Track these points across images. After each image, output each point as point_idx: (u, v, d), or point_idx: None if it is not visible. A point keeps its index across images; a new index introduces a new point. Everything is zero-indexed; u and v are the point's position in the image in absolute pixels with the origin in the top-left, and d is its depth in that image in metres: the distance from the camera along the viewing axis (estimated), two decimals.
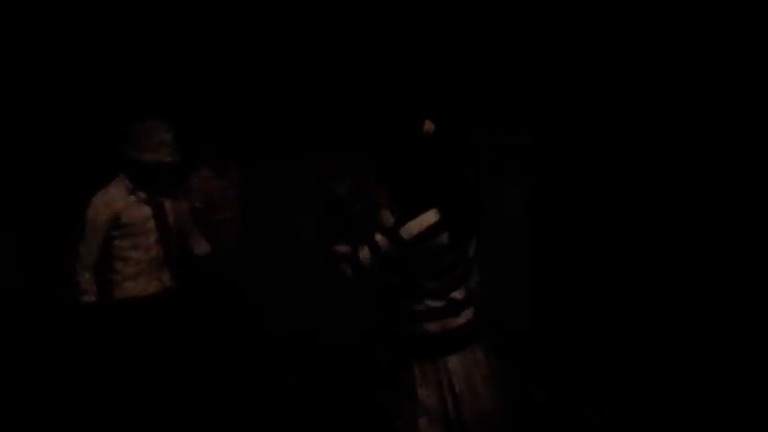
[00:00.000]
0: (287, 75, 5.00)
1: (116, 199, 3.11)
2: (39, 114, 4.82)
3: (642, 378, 3.55)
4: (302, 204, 4.65)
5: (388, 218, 2.36)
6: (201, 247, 3.48)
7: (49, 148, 4.76)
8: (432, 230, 2.01)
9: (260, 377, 3.90)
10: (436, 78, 4.41)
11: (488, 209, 2.24)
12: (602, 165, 3.95)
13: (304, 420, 3.47)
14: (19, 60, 4.77)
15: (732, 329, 3.58)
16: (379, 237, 2.04)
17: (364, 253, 2.05)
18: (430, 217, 2.02)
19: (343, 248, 2.13)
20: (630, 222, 3.86)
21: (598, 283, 3.89)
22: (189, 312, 3.42)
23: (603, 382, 3.55)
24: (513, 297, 3.93)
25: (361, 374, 3.87)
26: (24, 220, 4.43)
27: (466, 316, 2.12)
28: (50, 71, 4.82)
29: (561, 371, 3.70)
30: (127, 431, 3.23)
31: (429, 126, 2.05)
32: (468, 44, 4.39)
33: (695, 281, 3.67)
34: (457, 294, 2.10)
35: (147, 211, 3.17)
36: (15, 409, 3.59)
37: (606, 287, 3.87)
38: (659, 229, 3.80)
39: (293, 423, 3.46)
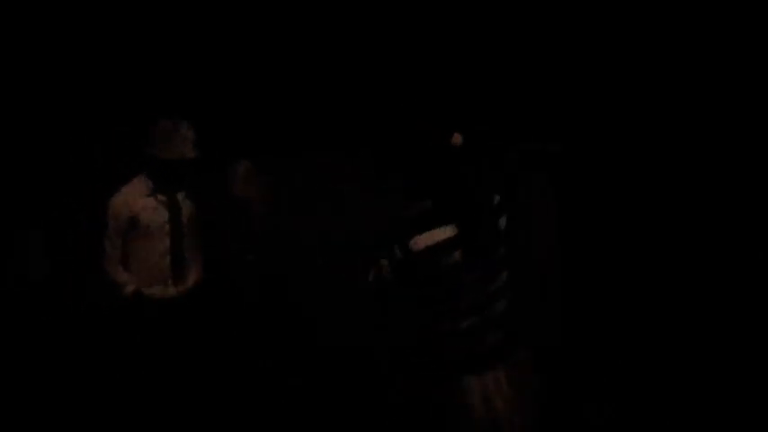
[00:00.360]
0: (305, 79, 5.01)
1: (135, 199, 3.17)
2: (64, 113, 4.86)
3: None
4: (303, 205, 4.64)
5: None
6: (195, 274, 3.41)
7: (75, 146, 4.80)
8: (443, 246, 1.97)
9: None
10: (466, 83, 4.41)
11: (513, 221, 2.21)
12: (632, 175, 3.94)
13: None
14: (43, 58, 4.82)
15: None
16: (395, 250, 2.02)
17: (384, 265, 2.03)
18: (443, 232, 1.99)
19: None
20: (657, 230, 3.85)
21: (624, 290, 3.87)
22: (198, 316, 3.45)
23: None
24: (540, 309, 3.91)
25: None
26: (53, 218, 4.50)
27: (495, 336, 2.07)
28: (76, 69, 4.86)
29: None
30: (132, 428, 3.27)
31: (457, 139, 2.03)
32: (498, 51, 4.40)
33: (706, 283, 3.67)
34: (488, 313, 2.06)
35: (164, 214, 3.21)
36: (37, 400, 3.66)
37: (632, 294, 3.85)
38: (688, 238, 3.78)
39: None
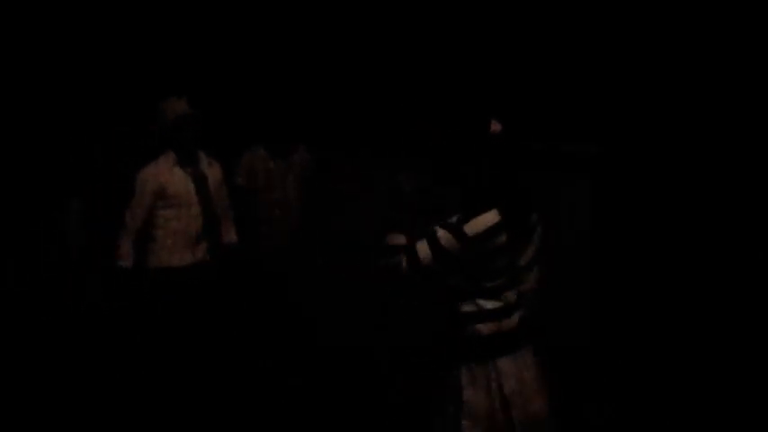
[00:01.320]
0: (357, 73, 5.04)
1: (163, 171, 3.35)
2: (105, 84, 5.05)
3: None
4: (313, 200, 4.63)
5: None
6: (230, 235, 3.65)
7: (111, 117, 4.96)
8: (493, 230, 2.02)
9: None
10: (505, 84, 4.41)
11: (546, 216, 2.26)
12: (665, 177, 3.93)
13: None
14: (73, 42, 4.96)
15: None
16: (441, 232, 2.03)
17: (423, 247, 2.03)
18: (492, 217, 2.03)
19: (398, 238, 2.11)
20: (688, 233, 3.84)
21: (647, 294, 3.87)
22: (219, 288, 3.58)
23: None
24: (569, 307, 3.90)
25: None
26: (90, 187, 4.62)
27: (518, 318, 2.11)
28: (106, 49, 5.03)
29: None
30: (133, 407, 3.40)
31: (496, 127, 2.07)
32: (540, 52, 4.41)
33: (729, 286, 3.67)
34: (510, 295, 2.11)
35: (191, 185, 3.39)
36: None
37: (653, 298, 3.84)
38: (720, 241, 3.78)
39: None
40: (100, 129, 4.89)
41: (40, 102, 4.80)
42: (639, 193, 3.97)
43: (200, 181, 3.43)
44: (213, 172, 3.53)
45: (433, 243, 2.03)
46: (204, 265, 3.47)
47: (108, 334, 4.09)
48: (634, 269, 3.93)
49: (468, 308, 2.10)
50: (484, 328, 2.08)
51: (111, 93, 4.99)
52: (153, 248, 3.38)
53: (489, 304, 2.08)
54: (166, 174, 3.35)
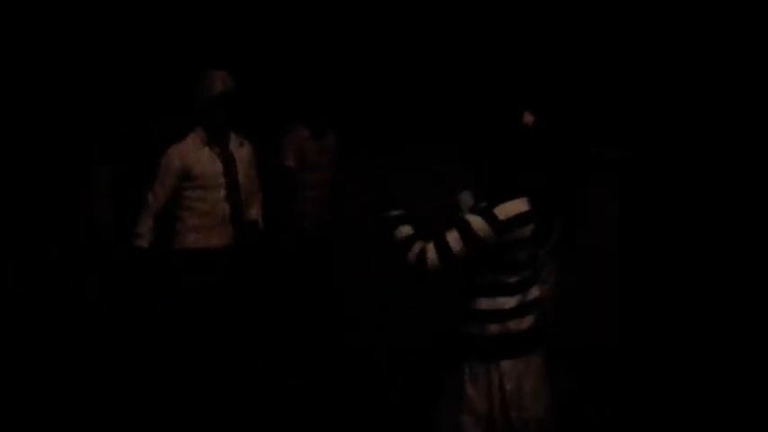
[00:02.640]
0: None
1: (190, 150, 3.26)
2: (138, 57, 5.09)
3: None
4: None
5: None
6: (253, 212, 3.54)
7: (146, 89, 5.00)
8: (522, 217, 2.01)
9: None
10: (544, 84, 4.41)
11: (574, 217, 2.27)
12: (696, 182, 3.91)
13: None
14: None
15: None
16: (472, 217, 2.01)
17: (453, 235, 2.00)
18: (521, 204, 2.02)
19: (407, 230, 2.07)
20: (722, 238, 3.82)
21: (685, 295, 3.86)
22: (245, 271, 3.54)
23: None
24: (596, 310, 3.88)
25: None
26: (121, 156, 4.63)
27: (528, 322, 2.10)
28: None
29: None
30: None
31: (529, 118, 2.07)
32: (580, 57, 4.41)
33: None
34: (524, 297, 2.09)
35: (218, 165, 3.31)
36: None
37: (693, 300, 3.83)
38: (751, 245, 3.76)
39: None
40: (130, 103, 4.91)
41: (69, 72, 4.85)
42: (668, 195, 3.96)
43: (228, 162, 3.33)
44: (243, 153, 3.42)
45: (465, 230, 2.00)
46: (231, 249, 3.40)
47: (128, 313, 4.14)
48: (663, 271, 3.92)
49: (485, 305, 2.09)
50: (493, 327, 2.08)
51: (142, 66, 5.03)
52: (179, 229, 3.32)
53: (507, 303, 2.07)
54: (194, 153, 3.26)
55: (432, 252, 1.99)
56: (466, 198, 2.30)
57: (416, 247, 2.02)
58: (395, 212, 2.09)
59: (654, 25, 4.16)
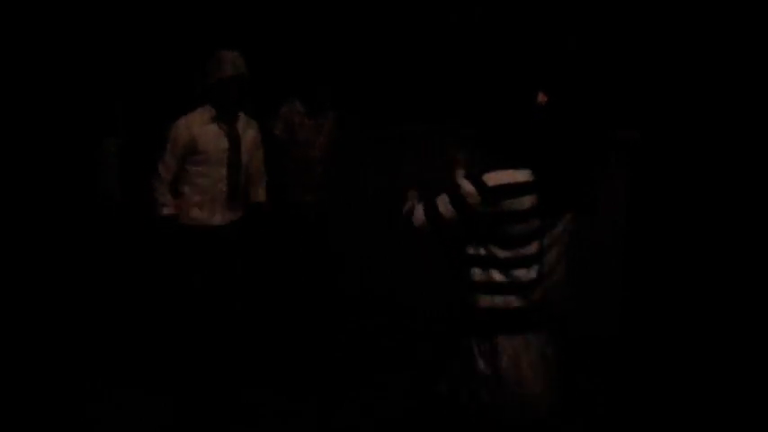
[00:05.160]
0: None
1: (197, 124, 3.30)
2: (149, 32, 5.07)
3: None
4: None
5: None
6: (260, 193, 3.58)
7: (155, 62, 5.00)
8: (517, 188, 1.99)
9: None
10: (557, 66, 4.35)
11: (586, 200, 2.24)
12: (708, 169, 3.84)
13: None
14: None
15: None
16: (462, 181, 2.02)
17: (443, 198, 2.03)
18: (521, 174, 2.00)
19: (413, 194, 2.17)
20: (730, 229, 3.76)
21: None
22: (246, 247, 3.57)
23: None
24: (599, 298, 3.85)
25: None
26: (129, 127, 4.66)
27: (526, 300, 2.07)
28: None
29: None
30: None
31: (543, 98, 2.06)
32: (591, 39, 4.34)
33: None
34: (523, 273, 2.06)
35: (224, 143, 3.33)
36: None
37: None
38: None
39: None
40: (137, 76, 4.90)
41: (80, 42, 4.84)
42: (678, 179, 3.89)
43: (234, 141, 3.34)
44: (250, 134, 3.45)
45: (454, 193, 2.01)
46: (233, 226, 3.43)
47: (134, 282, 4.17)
48: (669, 262, 3.86)
49: (476, 276, 2.07)
50: (486, 300, 2.06)
51: (148, 40, 5.00)
52: (180, 204, 3.35)
53: (498, 277, 2.05)
54: (200, 128, 3.28)
55: (419, 211, 2.07)
56: (463, 155, 2.29)
57: (408, 204, 2.13)
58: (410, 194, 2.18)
59: (666, 6, 4.07)
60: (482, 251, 2.05)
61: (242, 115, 3.43)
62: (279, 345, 3.86)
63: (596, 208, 2.38)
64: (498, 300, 2.05)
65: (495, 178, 1.98)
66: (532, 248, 2.08)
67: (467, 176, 2.03)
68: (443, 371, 2.21)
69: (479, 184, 1.98)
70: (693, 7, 3.93)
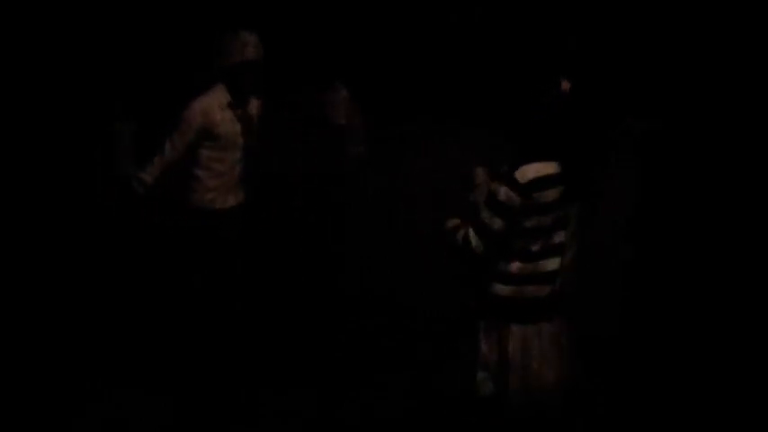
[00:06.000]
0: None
1: (215, 109, 3.25)
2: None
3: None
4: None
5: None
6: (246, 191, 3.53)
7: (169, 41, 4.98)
8: (547, 180, 1.99)
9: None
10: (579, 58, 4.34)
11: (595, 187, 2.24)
12: (709, 169, 3.83)
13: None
14: None
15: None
16: (495, 186, 2.02)
17: (485, 212, 2.03)
18: (549, 167, 2.01)
19: (454, 221, 2.17)
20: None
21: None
22: (260, 231, 3.67)
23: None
24: (599, 298, 3.83)
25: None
26: (145, 111, 4.56)
27: (543, 290, 2.09)
28: None
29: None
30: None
31: (566, 85, 2.06)
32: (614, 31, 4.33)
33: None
34: (543, 264, 2.07)
35: (238, 127, 3.31)
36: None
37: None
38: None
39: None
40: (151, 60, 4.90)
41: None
42: (678, 183, 3.88)
43: (247, 124, 3.34)
44: (257, 113, 3.45)
45: (493, 202, 2.01)
46: (240, 207, 3.45)
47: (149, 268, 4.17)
48: (670, 262, 3.85)
49: (498, 265, 2.08)
50: (505, 289, 2.08)
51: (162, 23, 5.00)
52: (196, 188, 3.35)
53: (519, 266, 2.06)
54: (217, 113, 3.25)
55: (473, 236, 2.03)
56: (480, 174, 2.29)
57: (460, 234, 2.08)
58: (450, 223, 2.16)
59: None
60: (515, 244, 2.06)
61: (252, 98, 3.41)
62: (279, 345, 3.85)
63: (602, 195, 2.37)
64: (528, 290, 2.07)
65: (525, 173, 1.99)
66: (559, 238, 2.09)
67: (498, 180, 2.03)
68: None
69: (514, 184, 1.98)
70: (702, 3, 3.92)
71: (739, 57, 3.89)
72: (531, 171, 1.99)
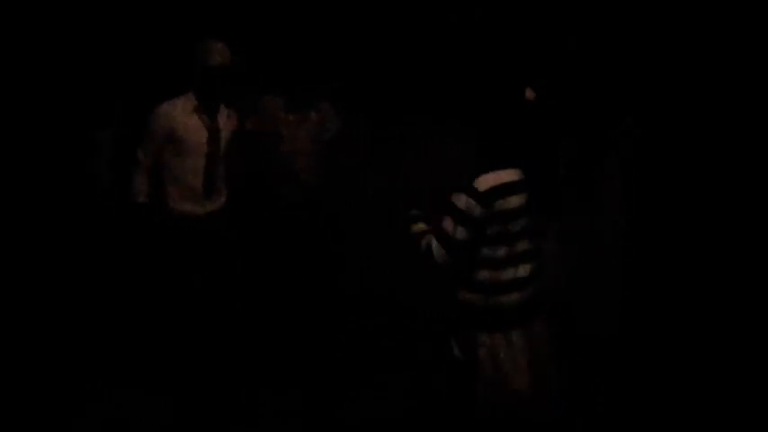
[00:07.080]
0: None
1: (178, 111, 3.25)
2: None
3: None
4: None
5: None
6: (222, 197, 3.49)
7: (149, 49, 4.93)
8: (508, 188, 1.99)
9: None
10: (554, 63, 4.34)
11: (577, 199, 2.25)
12: (708, 169, 3.83)
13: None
14: None
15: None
16: (455, 196, 2.03)
17: (447, 221, 2.03)
18: (509, 174, 2.01)
19: (419, 227, 2.20)
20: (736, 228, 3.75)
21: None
22: (232, 237, 3.59)
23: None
24: (599, 298, 3.83)
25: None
26: (123, 119, 4.57)
27: (512, 297, 2.08)
28: None
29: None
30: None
31: (530, 94, 2.07)
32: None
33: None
34: (510, 272, 2.07)
35: (203, 134, 3.29)
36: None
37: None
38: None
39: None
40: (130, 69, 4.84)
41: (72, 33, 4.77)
42: (677, 183, 3.88)
43: (213, 132, 3.31)
44: (230, 125, 3.44)
45: (454, 211, 2.01)
46: (215, 216, 3.43)
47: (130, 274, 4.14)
48: (670, 262, 3.85)
49: (466, 273, 2.09)
50: (472, 297, 2.09)
51: (140, 32, 4.95)
52: (162, 193, 3.35)
53: (485, 274, 2.06)
54: (181, 118, 3.24)
55: (435, 245, 2.04)
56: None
57: (424, 242, 2.10)
58: (413, 212, 2.20)
59: (666, 4, 4.07)
60: (480, 252, 2.05)
61: (223, 106, 3.39)
62: (279, 345, 3.85)
63: (560, 211, 2.39)
64: (496, 298, 2.06)
65: (484, 182, 1.99)
66: (525, 245, 2.08)
67: (459, 190, 2.03)
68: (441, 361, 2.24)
69: (474, 192, 1.99)
70: (690, 6, 3.92)
71: (739, 57, 3.89)
72: (491, 179, 1.99)
